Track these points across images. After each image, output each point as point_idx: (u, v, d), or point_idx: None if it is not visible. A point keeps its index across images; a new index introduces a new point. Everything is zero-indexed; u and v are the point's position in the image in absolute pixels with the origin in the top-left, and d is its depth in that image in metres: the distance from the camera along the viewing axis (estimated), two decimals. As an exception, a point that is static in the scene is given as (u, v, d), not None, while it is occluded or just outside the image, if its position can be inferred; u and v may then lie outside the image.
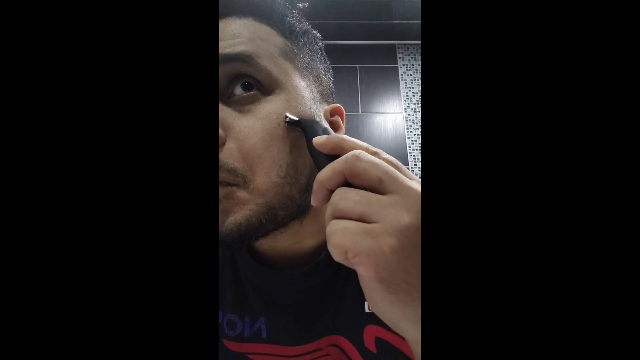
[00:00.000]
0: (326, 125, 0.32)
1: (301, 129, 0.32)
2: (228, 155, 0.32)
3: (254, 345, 0.44)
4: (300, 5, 0.40)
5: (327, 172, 0.26)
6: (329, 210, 0.26)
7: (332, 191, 0.26)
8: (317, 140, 0.29)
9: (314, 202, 0.28)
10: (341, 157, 0.26)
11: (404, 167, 0.26)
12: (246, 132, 0.32)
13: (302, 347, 0.42)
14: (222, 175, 0.32)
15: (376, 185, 0.25)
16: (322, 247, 0.43)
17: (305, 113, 0.35)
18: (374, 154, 0.27)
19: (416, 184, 0.25)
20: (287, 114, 0.33)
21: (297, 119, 0.33)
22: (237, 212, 0.32)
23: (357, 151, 0.26)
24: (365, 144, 0.27)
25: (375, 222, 0.23)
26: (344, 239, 0.24)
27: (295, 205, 0.35)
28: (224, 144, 0.32)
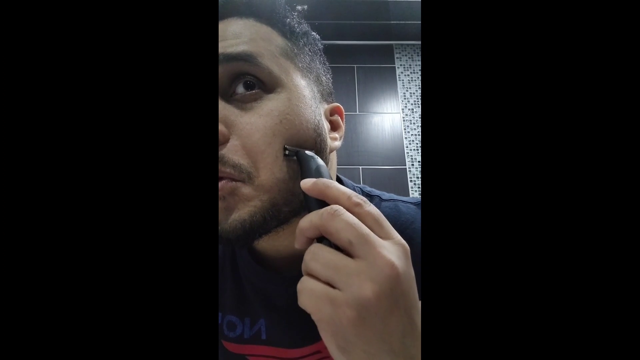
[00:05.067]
0: (321, 162, 0.32)
1: (297, 160, 0.33)
2: (233, 151, 0.32)
3: (253, 347, 0.44)
4: (299, 7, 0.40)
5: (305, 223, 0.27)
6: (302, 265, 0.26)
7: (312, 239, 0.27)
8: (305, 183, 0.29)
9: (297, 245, 0.28)
10: (319, 211, 0.26)
11: (383, 222, 0.26)
12: (249, 129, 0.33)
13: (301, 350, 0.42)
14: (227, 171, 0.32)
15: (347, 247, 0.25)
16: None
17: (307, 112, 0.36)
18: (356, 205, 0.26)
19: (389, 247, 0.25)
20: (286, 146, 0.33)
21: (295, 150, 0.33)
22: (241, 208, 0.32)
23: (334, 207, 0.26)
24: (349, 193, 0.27)
25: (339, 289, 0.24)
26: (308, 302, 0.25)
27: (298, 201, 0.35)
28: (227, 141, 0.32)
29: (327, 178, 0.30)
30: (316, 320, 0.25)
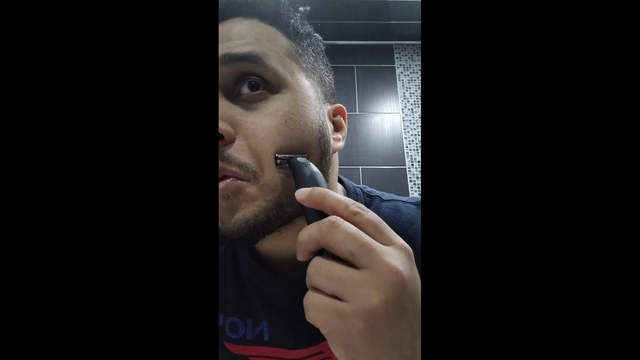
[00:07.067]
0: (314, 168, 0.31)
1: (290, 168, 0.32)
2: (239, 151, 0.32)
3: (256, 348, 0.44)
4: (302, 8, 0.41)
5: (304, 237, 0.27)
6: (307, 279, 0.26)
7: (313, 252, 0.27)
8: (300, 194, 0.28)
9: (299, 258, 0.28)
10: (317, 224, 0.26)
11: (384, 228, 0.26)
12: (254, 129, 0.33)
13: (304, 351, 0.42)
14: (232, 170, 0.32)
15: (349, 259, 0.25)
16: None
17: (311, 113, 0.36)
18: (354, 215, 0.26)
19: (392, 253, 0.24)
20: (277, 154, 0.32)
21: (287, 157, 0.33)
22: (245, 208, 0.32)
23: (332, 219, 0.25)
24: (346, 202, 0.27)
25: (345, 301, 0.24)
26: (316, 317, 0.25)
27: None
28: (233, 140, 0.32)
29: (322, 185, 0.30)
30: (325, 334, 0.25)
